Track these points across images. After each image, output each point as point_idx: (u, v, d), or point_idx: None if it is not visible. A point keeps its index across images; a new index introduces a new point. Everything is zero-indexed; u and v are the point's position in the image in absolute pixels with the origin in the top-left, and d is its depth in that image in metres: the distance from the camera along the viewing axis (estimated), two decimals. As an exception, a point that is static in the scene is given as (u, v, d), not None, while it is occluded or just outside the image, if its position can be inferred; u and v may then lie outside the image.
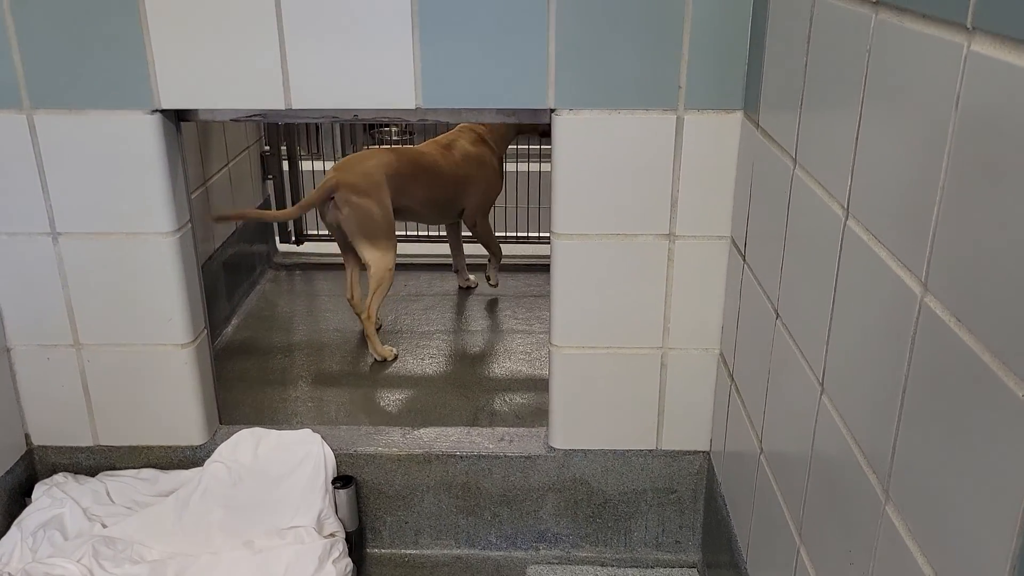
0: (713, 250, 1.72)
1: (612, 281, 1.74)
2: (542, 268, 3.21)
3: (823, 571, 1.16)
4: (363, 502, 1.96)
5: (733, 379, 1.68)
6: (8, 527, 1.80)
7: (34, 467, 1.94)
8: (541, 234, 3.39)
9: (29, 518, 1.80)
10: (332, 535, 1.82)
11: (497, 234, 3.38)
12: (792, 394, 1.29)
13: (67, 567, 1.68)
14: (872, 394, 0.99)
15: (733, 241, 1.69)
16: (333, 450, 1.92)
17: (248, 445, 1.93)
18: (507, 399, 2.39)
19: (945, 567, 0.82)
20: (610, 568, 1.94)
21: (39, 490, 1.87)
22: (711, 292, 1.75)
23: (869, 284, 1.00)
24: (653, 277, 1.74)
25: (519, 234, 3.40)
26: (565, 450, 1.90)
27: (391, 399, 2.42)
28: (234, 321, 2.90)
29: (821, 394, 1.16)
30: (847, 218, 1.07)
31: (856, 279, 1.05)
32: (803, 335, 1.25)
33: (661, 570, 1.93)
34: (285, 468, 1.88)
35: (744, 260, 1.59)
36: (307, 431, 1.95)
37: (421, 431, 1.99)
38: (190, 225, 1.83)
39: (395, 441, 1.95)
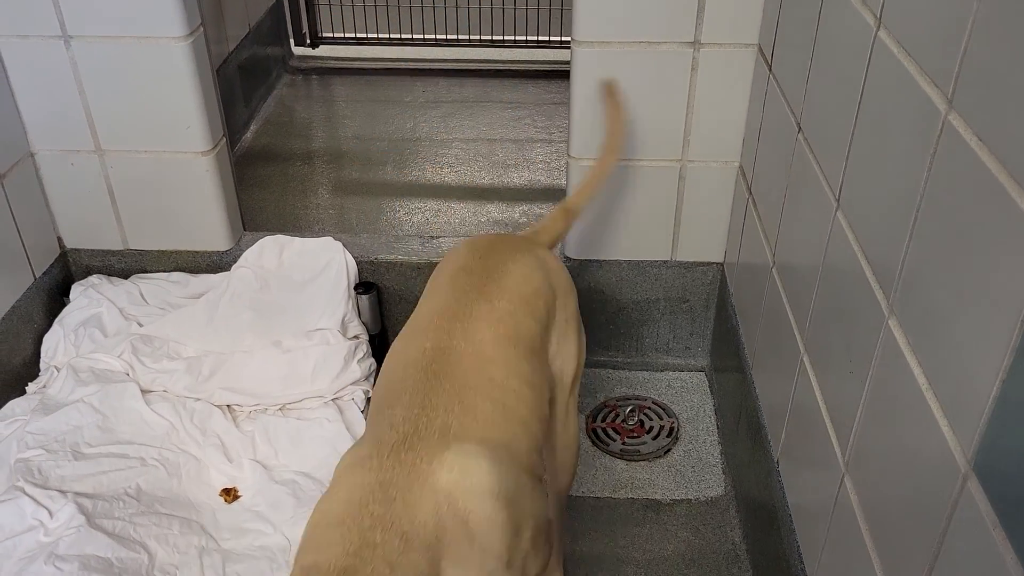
0: (739, 59, 1.67)
1: (633, 91, 1.71)
2: (563, 75, 3.13)
3: (824, 377, 1.21)
4: (385, 307, 2.04)
5: (751, 192, 1.68)
6: (50, 324, 1.90)
7: (69, 269, 2.01)
8: (563, 38, 3.27)
9: (69, 316, 1.89)
10: (356, 337, 1.91)
11: (516, 37, 3.26)
12: (808, 209, 1.30)
13: (110, 361, 1.78)
14: (886, 211, 1.00)
15: (760, 50, 1.63)
16: (354, 257, 1.96)
17: (272, 251, 1.98)
18: (526, 209, 2.41)
19: (938, 377, 0.86)
20: (622, 371, 2.04)
21: (76, 290, 1.95)
22: (734, 104, 1.71)
23: (894, 99, 0.98)
24: (675, 87, 1.70)
25: (540, 38, 3.29)
26: (581, 260, 1.94)
27: (410, 207, 2.45)
28: (252, 127, 2.89)
29: (836, 210, 1.16)
30: (878, 28, 1.03)
31: (882, 94, 1.02)
32: (823, 150, 1.23)
33: (671, 373, 2.03)
34: (309, 274, 1.94)
35: (770, 70, 1.55)
36: (329, 239, 1.99)
37: (440, 240, 2.03)
38: (202, 29, 1.78)
39: (415, 249, 2.00)
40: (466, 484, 0.98)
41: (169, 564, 1.48)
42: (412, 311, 2.05)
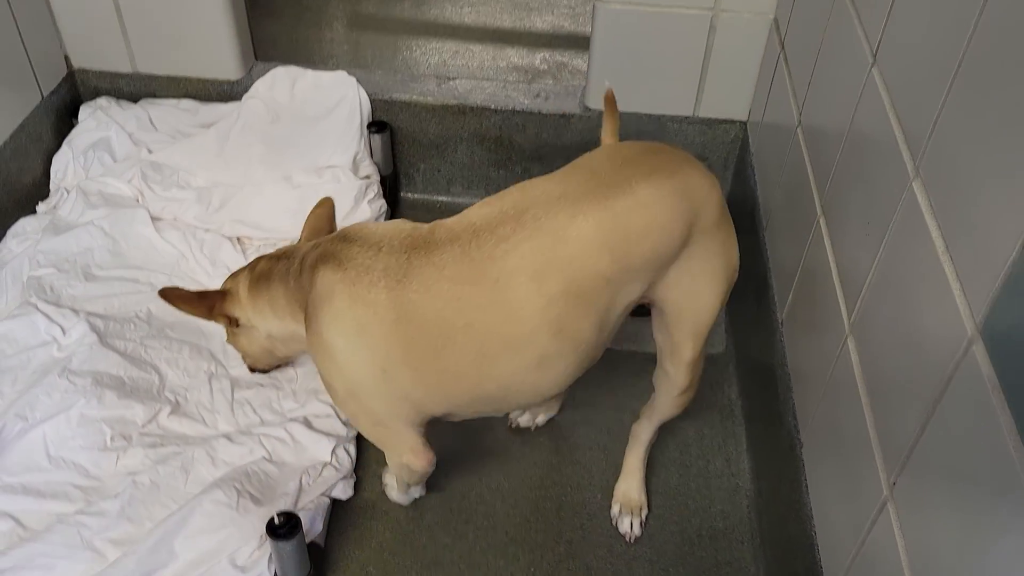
0: (785, -100, 1.56)
1: (669, -70, 1.61)
2: (595, -86, 2.94)
3: (838, 240, 1.20)
4: (397, 148, 2.00)
5: (783, 47, 1.61)
6: (59, 145, 1.87)
7: (77, 90, 1.97)
8: None
9: (78, 138, 1.86)
10: (367, 177, 1.89)
11: None
12: (842, 66, 1.24)
13: (119, 186, 1.78)
14: (924, 69, 0.95)
15: None
16: (368, 95, 1.91)
17: (284, 84, 1.93)
18: (547, 55, 2.33)
19: (957, 240, 0.84)
20: (633, 227, 2.02)
21: (84, 112, 1.92)
22: (775, -51, 1.61)
23: (949, -55, 0.91)
24: (714, -72, 1.60)
25: None
26: (600, 111, 1.89)
27: (428, 47, 2.37)
28: (266, -48, 2.76)
29: (872, 66, 1.11)
30: None
31: (936, -61, 0.95)
32: (864, 2, 1.17)
33: (681, 232, 2.01)
34: (321, 109, 1.90)
35: (817, -87, 1.45)
36: (343, 73, 1.93)
37: (456, 82, 1.97)
38: None
39: (430, 90, 1.94)
40: None
41: (179, 386, 1.52)
42: (425, 154, 2.03)
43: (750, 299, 1.65)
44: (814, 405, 1.23)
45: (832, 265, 1.20)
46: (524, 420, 1.61)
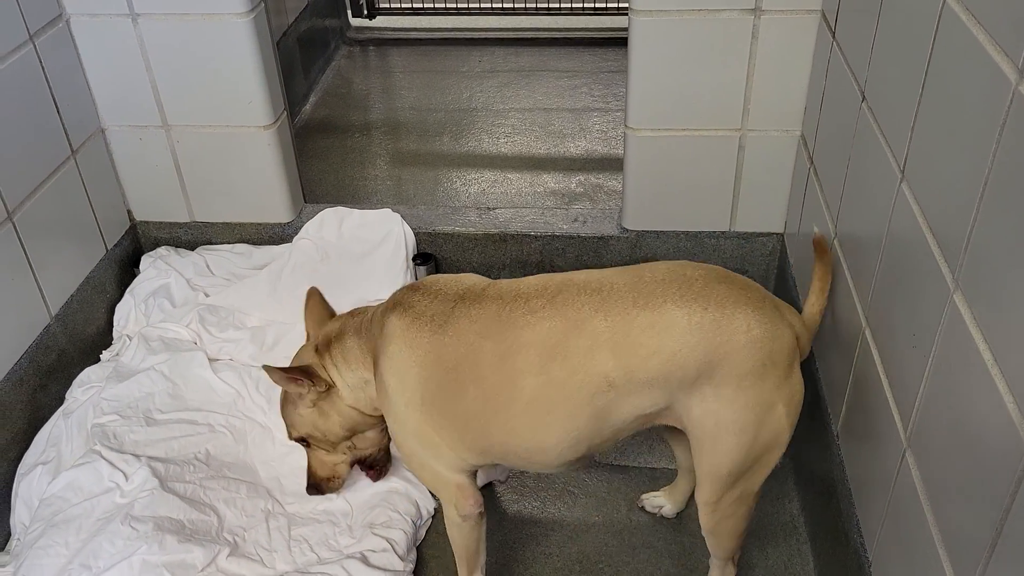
0: (801, 26, 1.63)
1: (692, 60, 1.68)
2: (620, 42, 3.09)
3: (886, 351, 1.20)
4: (443, 277, 2.06)
5: (812, 163, 1.65)
6: (121, 294, 1.97)
7: (139, 241, 2.08)
8: (621, 5, 3.23)
9: (140, 286, 1.95)
10: (415, 307, 1.94)
11: (573, 4, 3.23)
12: (871, 180, 1.27)
13: (178, 331, 1.85)
14: (953, 183, 0.97)
15: (824, 16, 1.59)
16: (412, 229, 1.99)
17: (332, 223, 2.02)
18: (583, 179, 2.41)
19: (1004, 352, 0.84)
20: (678, 342, 2.02)
21: (145, 262, 2.01)
22: (795, 72, 1.68)
23: (962, 68, 0.95)
24: (735, 56, 1.67)
25: (596, 5, 3.25)
26: (638, 231, 1.94)
27: (467, 178, 2.46)
28: (311, 99, 2.93)
29: (901, 181, 1.14)
30: (948, -6, 1.00)
31: (949, 63, 0.99)
32: (888, 120, 1.21)
33: (728, 345, 2.01)
34: (368, 246, 1.97)
35: (833, 37, 1.51)
36: (387, 211, 2.01)
37: (497, 211, 2.04)
38: (263, 4, 1.81)
39: (472, 221, 2.01)
40: None
41: (237, 526, 1.53)
42: (469, 282, 2.08)
43: (803, 412, 1.63)
44: (879, 521, 1.20)
45: (883, 377, 1.19)
46: None
